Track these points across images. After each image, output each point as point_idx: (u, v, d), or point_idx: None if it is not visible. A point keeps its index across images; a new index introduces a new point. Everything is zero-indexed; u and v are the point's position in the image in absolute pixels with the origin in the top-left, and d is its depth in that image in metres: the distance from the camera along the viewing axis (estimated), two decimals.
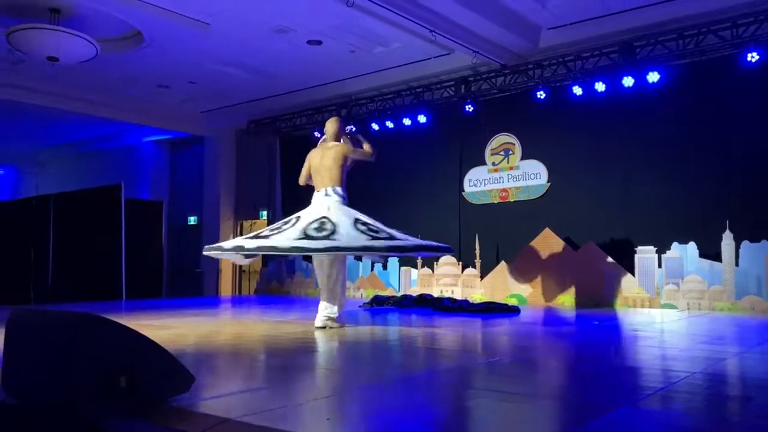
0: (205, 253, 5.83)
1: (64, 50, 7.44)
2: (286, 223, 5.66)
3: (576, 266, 8.43)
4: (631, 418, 2.47)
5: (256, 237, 5.65)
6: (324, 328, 5.58)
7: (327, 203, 5.67)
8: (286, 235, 5.39)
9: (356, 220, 5.49)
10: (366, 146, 5.99)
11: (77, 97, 10.58)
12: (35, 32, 7.22)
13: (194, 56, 9.00)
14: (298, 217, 5.67)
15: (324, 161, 5.83)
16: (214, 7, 7.34)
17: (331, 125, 6.05)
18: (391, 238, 5.42)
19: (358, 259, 9.69)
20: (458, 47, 8.28)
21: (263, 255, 6.37)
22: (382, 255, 6.23)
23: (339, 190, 5.76)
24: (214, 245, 5.80)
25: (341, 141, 6.01)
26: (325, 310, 5.66)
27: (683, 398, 2.79)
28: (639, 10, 7.54)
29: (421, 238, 5.96)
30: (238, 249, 5.52)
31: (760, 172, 7.30)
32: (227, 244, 5.79)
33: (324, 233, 5.30)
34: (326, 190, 5.76)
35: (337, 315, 5.69)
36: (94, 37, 7.52)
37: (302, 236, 5.30)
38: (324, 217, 5.50)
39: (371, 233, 5.36)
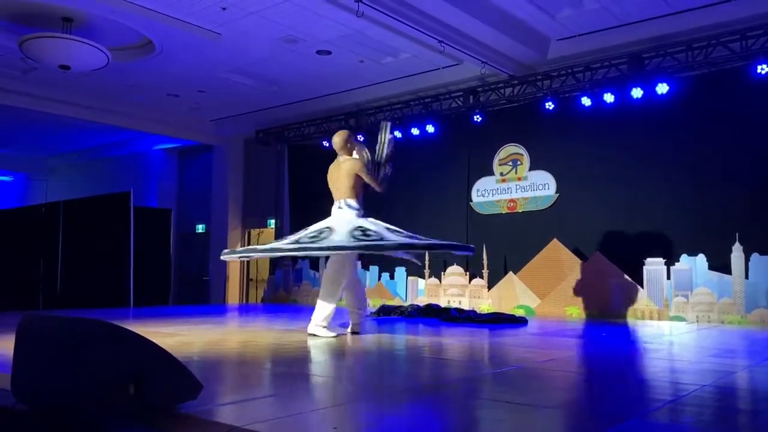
0: (223, 257, 6.06)
1: (76, 58, 7.53)
2: (294, 234, 5.90)
3: (584, 277, 8.39)
4: (640, 430, 2.45)
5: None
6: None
7: (340, 216, 5.80)
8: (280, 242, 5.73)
9: (356, 228, 5.53)
10: (380, 179, 6.06)
11: (87, 105, 10.67)
12: (48, 41, 7.31)
13: (204, 65, 9.06)
14: (306, 228, 5.84)
15: (338, 175, 5.94)
16: (225, 17, 7.40)
17: (336, 138, 6.08)
18: (379, 239, 5.45)
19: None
20: (467, 58, 8.31)
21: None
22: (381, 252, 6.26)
23: (352, 202, 5.82)
24: (227, 251, 6.11)
25: (355, 153, 6.04)
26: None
27: (693, 411, 2.77)
28: (648, 21, 7.56)
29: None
30: (250, 251, 5.96)
31: None
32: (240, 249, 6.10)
33: (314, 239, 5.47)
34: (339, 203, 5.87)
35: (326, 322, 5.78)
36: (105, 46, 7.60)
37: (292, 242, 5.56)
38: (327, 227, 5.64)
39: (360, 237, 5.42)
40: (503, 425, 2.59)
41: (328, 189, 6.06)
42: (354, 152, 6.03)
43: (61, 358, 2.47)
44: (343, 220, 5.71)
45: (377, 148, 6.15)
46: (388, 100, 10.28)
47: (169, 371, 2.54)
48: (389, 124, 6.26)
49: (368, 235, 5.45)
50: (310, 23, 7.55)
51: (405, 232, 5.79)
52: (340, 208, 5.84)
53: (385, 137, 6.13)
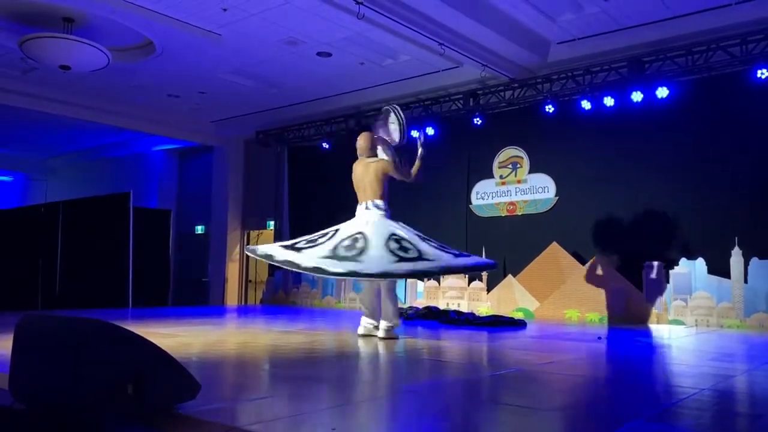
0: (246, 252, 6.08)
1: (76, 59, 7.52)
2: (323, 235, 5.68)
3: (583, 281, 8.39)
4: None
5: (291, 248, 5.68)
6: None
7: (367, 217, 5.76)
8: (315, 252, 5.44)
9: (391, 236, 5.46)
10: (414, 168, 6.05)
11: (87, 105, 10.67)
12: (48, 41, 7.30)
13: (205, 66, 9.07)
14: (337, 230, 5.70)
15: (366, 177, 5.93)
16: (226, 18, 7.40)
17: (361, 141, 6.12)
18: (419, 258, 5.34)
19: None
20: (467, 60, 8.31)
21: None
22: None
23: (380, 203, 5.84)
24: (251, 247, 6.01)
25: (381, 153, 6.07)
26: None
27: (692, 414, 2.77)
28: (648, 25, 7.57)
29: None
30: (268, 258, 5.69)
31: None
32: (261, 249, 5.91)
33: (352, 252, 5.31)
34: (367, 204, 5.85)
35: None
36: (106, 46, 7.60)
37: (330, 255, 5.34)
38: (359, 233, 5.51)
39: (399, 253, 5.31)
40: (502, 428, 2.59)
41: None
42: (380, 152, 6.06)
43: (60, 357, 2.47)
44: (374, 222, 5.67)
45: (398, 134, 6.11)
46: (388, 102, 10.26)
47: (168, 371, 2.54)
48: (395, 107, 6.18)
49: (406, 250, 5.34)
50: (310, 25, 7.56)
51: (434, 241, 5.76)
52: (367, 209, 5.83)
53: (400, 119, 6.06)
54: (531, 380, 3.78)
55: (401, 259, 5.25)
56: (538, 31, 8.01)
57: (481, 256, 9.24)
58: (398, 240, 5.42)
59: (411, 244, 5.44)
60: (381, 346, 5.32)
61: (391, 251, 5.29)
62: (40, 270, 12.07)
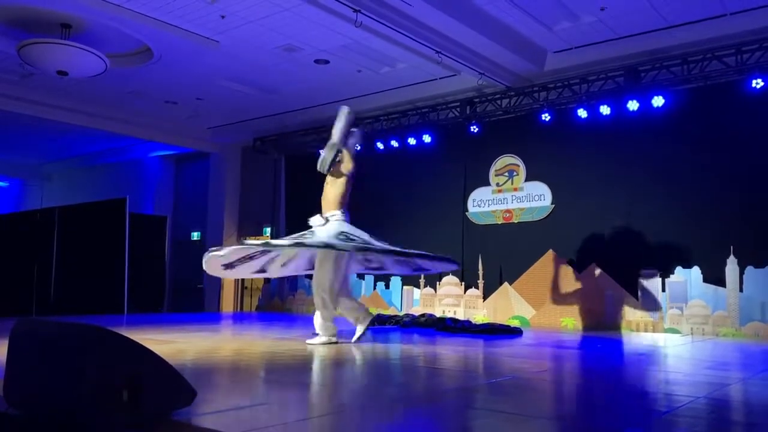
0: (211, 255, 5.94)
1: (74, 65, 7.53)
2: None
3: (579, 289, 8.40)
4: None
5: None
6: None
7: (322, 222, 5.88)
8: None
9: (339, 233, 5.62)
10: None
11: (85, 111, 10.67)
12: (46, 47, 7.31)
13: (202, 73, 9.08)
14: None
15: (327, 189, 6.07)
16: (224, 25, 7.42)
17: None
18: (365, 243, 5.62)
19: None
20: (464, 69, 8.35)
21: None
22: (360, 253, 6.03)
23: (338, 213, 5.91)
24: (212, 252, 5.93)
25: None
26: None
27: (687, 423, 2.77)
28: (645, 35, 7.61)
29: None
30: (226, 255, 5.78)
31: (765, 197, 7.30)
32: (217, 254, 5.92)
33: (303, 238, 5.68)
34: (325, 216, 5.95)
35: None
36: (104, 52, 7.61)
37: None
38: (308, 231, 5.81)
39: (342, 238, 5.55)
40: None
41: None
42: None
43: (55, 363, 2.46)
44: (325, 227, 5.81)
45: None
46: (385, 109, 10.31)
47: (163, 378, 2.53)
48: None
49: (351, 240, 5.55)
50: (308, 32, 7.58)
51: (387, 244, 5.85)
52: (326, 219, 5.92)
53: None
54: (527, 388, 3.78)
55: (346, 240, 5.53)
56: (534, 40, 8.04)
57: (478, 264, 9.29)
58: (343, 233, 5.63)
59: (357, 237, 5.63)
60: (367, 352, 5.31)
61: (336, 238, 5.54)
62: (36, 275, 12.03)
